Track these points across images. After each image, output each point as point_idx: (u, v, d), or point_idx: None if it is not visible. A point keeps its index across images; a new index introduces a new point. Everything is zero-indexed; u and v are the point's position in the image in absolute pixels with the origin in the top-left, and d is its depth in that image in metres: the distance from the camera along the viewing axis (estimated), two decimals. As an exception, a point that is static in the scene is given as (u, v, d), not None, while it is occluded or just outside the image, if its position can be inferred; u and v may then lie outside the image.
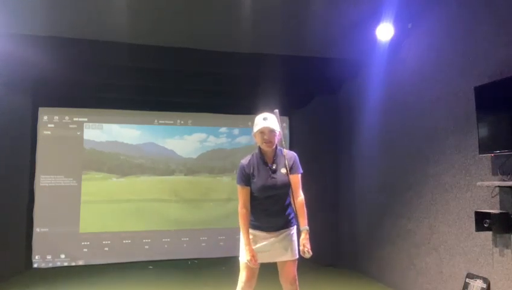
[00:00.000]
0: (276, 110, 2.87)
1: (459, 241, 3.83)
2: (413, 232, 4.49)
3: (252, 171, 2.78)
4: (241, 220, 2.78)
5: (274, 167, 2.78)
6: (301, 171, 2.83)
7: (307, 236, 2.69)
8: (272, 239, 2.79)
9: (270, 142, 2.74)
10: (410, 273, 4.53)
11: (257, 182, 2.76)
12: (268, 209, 2.79)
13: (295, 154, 2.88)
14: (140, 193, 6.53)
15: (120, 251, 6.27)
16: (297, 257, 2.82)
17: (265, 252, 2.79)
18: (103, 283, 5.17)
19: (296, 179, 2.79)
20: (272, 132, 2.73)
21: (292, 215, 2.86)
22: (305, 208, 2.76)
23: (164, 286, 5.09)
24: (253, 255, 2.70)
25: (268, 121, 2.73)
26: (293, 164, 2.80)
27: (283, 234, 2.80)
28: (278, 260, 2.82)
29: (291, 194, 2.80)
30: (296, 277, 2.81)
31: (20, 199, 5.75)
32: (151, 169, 6.66)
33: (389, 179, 5.02)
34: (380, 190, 5.22)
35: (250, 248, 2.72)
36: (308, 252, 2.66)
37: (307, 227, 2.71)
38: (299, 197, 2.78)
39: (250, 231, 2.79)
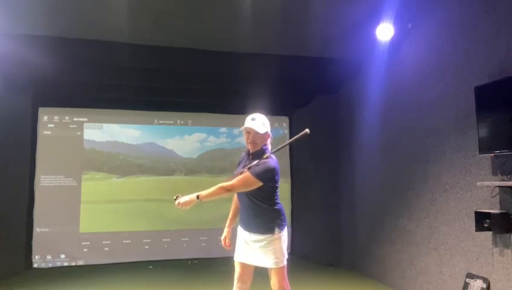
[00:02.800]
0: (307, 130, 2.71)
1: (459, 241, 3.83)
2: (413, 232, 4.49)
3: (239, 161, 2.95)
4: (232, 203, 3.03)
5: (247, 164, 2.75)
6: (255, 174, 2.58)
7: (191, 196, 2.57)
8: (244, 239, 2.81)
9: (254, 143, 2.73)
10: (410, 273, 4.53)
11: (235, 174, 2.83)
12: (242, 206, 2.82)
13: (271, 165, 2.65)
14: (140, 193, 6.53)
15: (120, 251, 6.27)
16: (277, 267, 2.69)
17: (242, 251, 2.83)
18: (103, 283, 5.17)
19: (243, 174, 2.62)
20: (256, 133, 2.71)
21: (270, 224, 2.71)
22: (217, 190, 2.59)
23: (164, 286, 5.09)
24: (225, 237, 2.96)
25: (256, 122, 2.72)
26: (255, 165, 2.63)
27: (254, 238, 2.74)
28: (254, 263, 2.77)
29: (265, 201, 2.70)
30: (284, 286, 2.70)
31: (20, 199, 5.74)
32: (151, 169, 6.65)
33: (389, 179, 5.02)
34: (380, 190, 5.22)
35: (227, 230, 2.99)
36: (177, 204, 2.57)
37: (198, 194, 2.57)
38: (227, 182, 2.63)
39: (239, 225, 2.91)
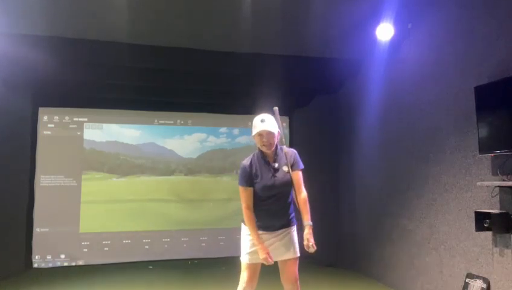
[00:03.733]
0: (276, 108, 2.85)
1: (459, 241, 3.83)
2: (413, 232, 4.49)
3: (254, 171, 2.75)
4: (248, 221, 2.74)
5: (276, 166, 2.76)
6: (302, 166, 2.83)
7: (311, 231, 2.70)
8: (273, 239, 2.78)
9: (269, 144, 2.73)
10: (410, 273, 4.53)
11: (260, 181, 2.74)
12: (270, 209, 2.77)
13: (295, 151, 2.88)
14: (140, 193, 6.53)
15: (120, 251, 6.27)
16: (298, 255, 2.83)
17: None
18: (103, 283, 5.17)
19: (298, 176, 2.79)
20: (270, 134, 2.71)
21: (293, 214, 2.87)
22: (308, 205, 2.76)
23: (164, 286, 5.09)
24: (267, 253, 2.68)
25: (266, 123, 2.71)
26: (293, 160, 2.80)
27: (284, 233, 2.81)
28: (279, 259, 2.80)
29: (293, 191, 2.80)
30: (297, 277, 2.81)
31: (20, 199, 5.74)
32: (151, 169, 6.65)
33: (389, 179, 5.02)
34: (380, 190, 5.22)
35: (263, 246, 2.70)
36: (312, 246, 2.68)
37: (310, 222, 2.71)
38: (302, 193, 2.77)
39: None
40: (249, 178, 2.75)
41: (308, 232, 2.68)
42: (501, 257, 3.39)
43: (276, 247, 2.78)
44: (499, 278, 3.40)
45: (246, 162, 2.79)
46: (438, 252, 4.11)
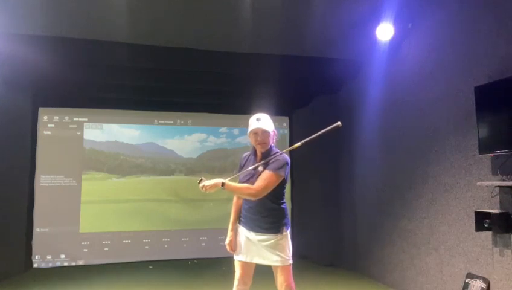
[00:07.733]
0: (339, 123, 2.70)
1: (459, 241, 3.83)
2: (413, 232, 4.50)
3: (243, 163, 2.89)
4: (233, 206, 2.95)
5: (257, 165, 2.74)
6: (276, 170, 2.62)
7: (216, 181, 2.52)
8: (248, 239, 2.78)
9: (264, 143, 2.73)
10: (410, 274, 4.53)
11: (240, 175, 2.81)
12: (248, 206, 2.78)
13: (285, 159, 2.70)
14: (140, 193, 6.53)
15: (120, 251, 6.27)
16: (280, 265, 2.70)
17: (243, 250, 2.81)
18: (103, 283, 5.17)
19: (263, 173, 2.63)
20: (265, 132, 2.71)
21: (276, 223, 2.73)
22: (243, 189, 2.62)
23: (164, 286, 5.08)
24: (230, 241, 2.86)
25: (262, 121, 2.71)
26: (272, 162, 2.66)
27: (260, 238, 2.73)
28: (255, 262, 2.79)
29: (275, 200, 2.72)
30: (291, 286, 2.71)
31: (20, 199, 5.74)
32: (151, 169, 6.66)
33: (389, 179, 5.02)
34: (380, 189, 5.22)
35: (230, 233, 2.88)
36: (201, 185, 2.52)
37: (225, 183, 2.53)
38: (254, 186, 2.60)
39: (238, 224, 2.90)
40: (239, 168, 2.92)
41: (212, 181, 2.53)
42: (501, 257, 3.39)
43: (251, 249, 2.77)
44: (499, 278, 3.40)
45: (245, 153, 2.96)
46: (438, 252, 4.11)
